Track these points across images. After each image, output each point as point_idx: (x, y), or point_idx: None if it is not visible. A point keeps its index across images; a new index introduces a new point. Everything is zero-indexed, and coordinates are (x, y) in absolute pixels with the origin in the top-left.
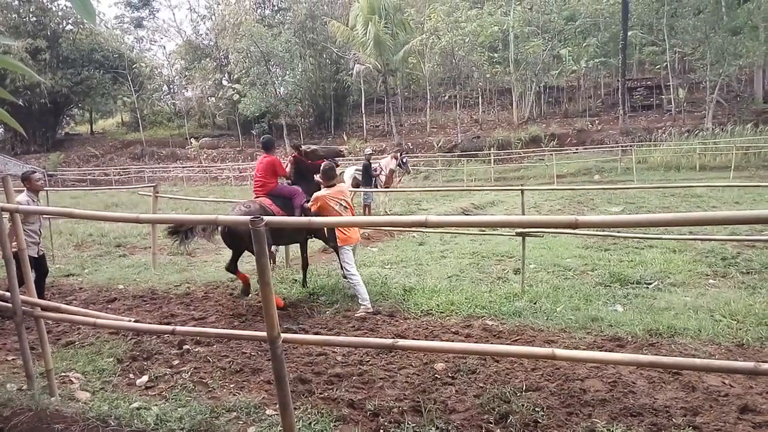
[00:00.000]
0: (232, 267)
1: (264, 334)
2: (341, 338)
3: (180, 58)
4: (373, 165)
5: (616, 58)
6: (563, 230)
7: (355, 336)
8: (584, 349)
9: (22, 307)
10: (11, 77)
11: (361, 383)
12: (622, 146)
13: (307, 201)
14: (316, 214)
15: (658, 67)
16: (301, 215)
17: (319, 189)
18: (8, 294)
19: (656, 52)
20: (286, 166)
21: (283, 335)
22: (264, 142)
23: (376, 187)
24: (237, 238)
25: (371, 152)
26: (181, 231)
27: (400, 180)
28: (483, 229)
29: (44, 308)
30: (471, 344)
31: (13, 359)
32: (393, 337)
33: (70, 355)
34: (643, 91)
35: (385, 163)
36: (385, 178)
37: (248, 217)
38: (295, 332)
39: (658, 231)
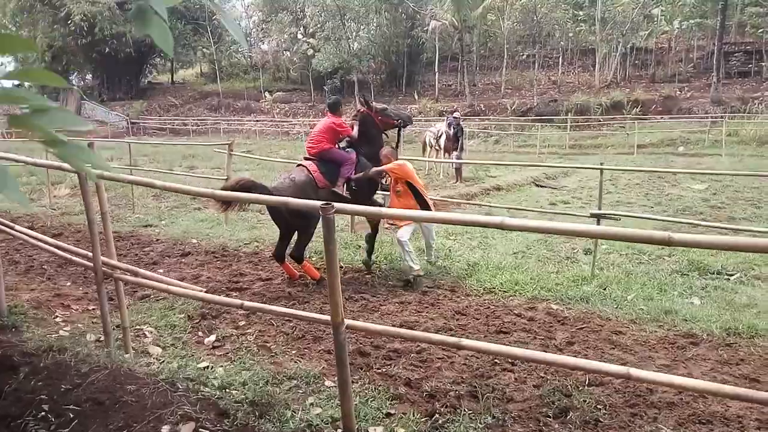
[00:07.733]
0: (280, 252)
1: (328, 318)
2: (405, 331)
3: (258, 10)
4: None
5: (714, 19)
6: (642, 216)
7: (416, 311)
8: (654, 344)
9: (103, 269)
10: (100, 26)
11: (418, 361)
12: (712, 117)
13: (362, 169)
14: (374, 185)
15: (760, 30)
16: (344, 186)
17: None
18: (91, 254)
19: (760, 14)
20: (351, 126)
21: (346, 322)
22: (332, 103)
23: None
24: (279, 213)
25: (459, 115)
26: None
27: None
28: (553, 204)
29: (123, 271)
30: (537, 353)
31: (93, 309)
32: (453, 314)
33: (145, 308)
34: (741, 56)
35: (440, 129)
36: (445, 144)
37: (319, 203)
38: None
39: (746, 224)
